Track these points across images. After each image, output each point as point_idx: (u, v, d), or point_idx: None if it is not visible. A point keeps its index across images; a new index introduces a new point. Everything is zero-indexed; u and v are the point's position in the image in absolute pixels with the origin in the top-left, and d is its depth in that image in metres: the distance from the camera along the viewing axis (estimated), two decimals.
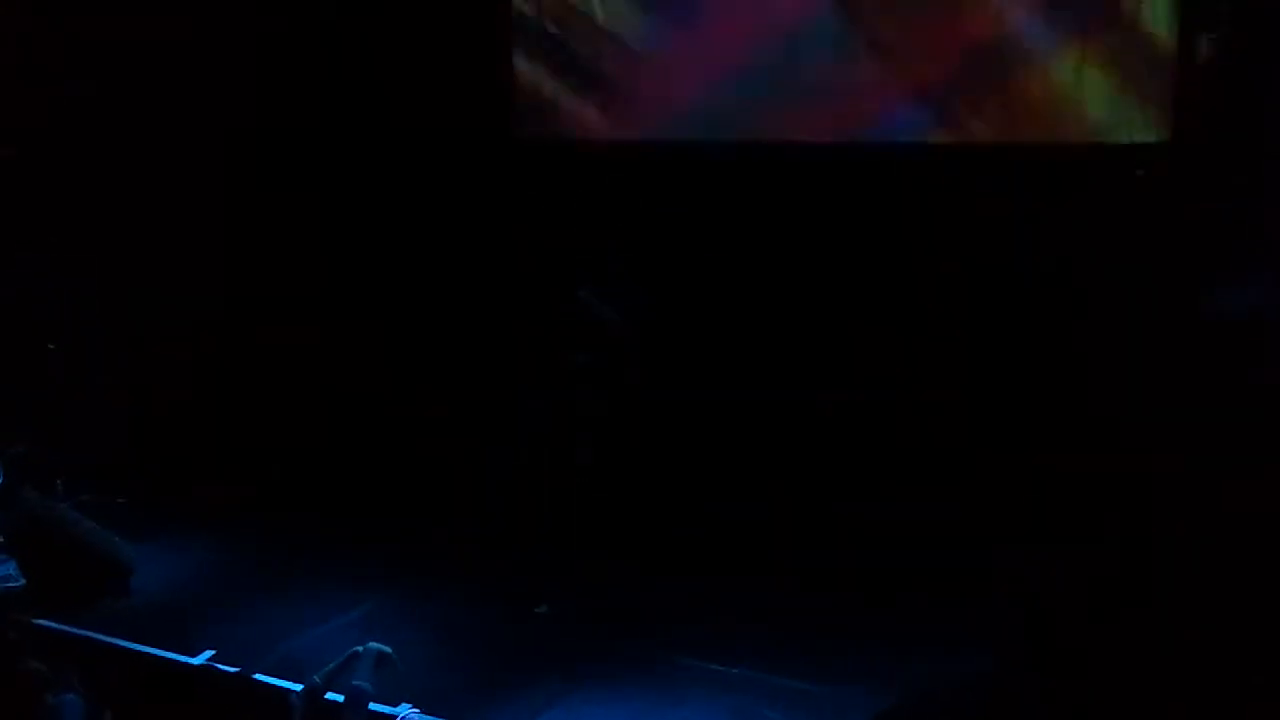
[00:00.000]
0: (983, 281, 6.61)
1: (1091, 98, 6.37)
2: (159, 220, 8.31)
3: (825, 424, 6.97)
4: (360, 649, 5.14)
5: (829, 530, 6.70)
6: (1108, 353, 6.15)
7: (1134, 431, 5.92)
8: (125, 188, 8.28)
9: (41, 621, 6.58)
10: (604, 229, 7.37)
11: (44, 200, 8.27)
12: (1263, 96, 5.96)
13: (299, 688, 5.15)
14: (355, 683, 4.94)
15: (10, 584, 7.08)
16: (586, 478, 6.75)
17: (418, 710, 5.00)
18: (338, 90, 8.17)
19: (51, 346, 8.07)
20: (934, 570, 6.18)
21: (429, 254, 8.09)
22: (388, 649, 5.16)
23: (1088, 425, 6.17)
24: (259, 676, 5.89)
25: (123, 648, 6.36)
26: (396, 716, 4.95)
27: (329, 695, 5.05)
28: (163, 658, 6.22)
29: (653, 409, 7.07)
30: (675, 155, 7.33)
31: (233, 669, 5.97)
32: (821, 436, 7.00)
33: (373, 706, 5.11)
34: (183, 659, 6.20)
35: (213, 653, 6.21)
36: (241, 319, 8.45)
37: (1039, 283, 6.39)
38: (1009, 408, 6.47)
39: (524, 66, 7.76)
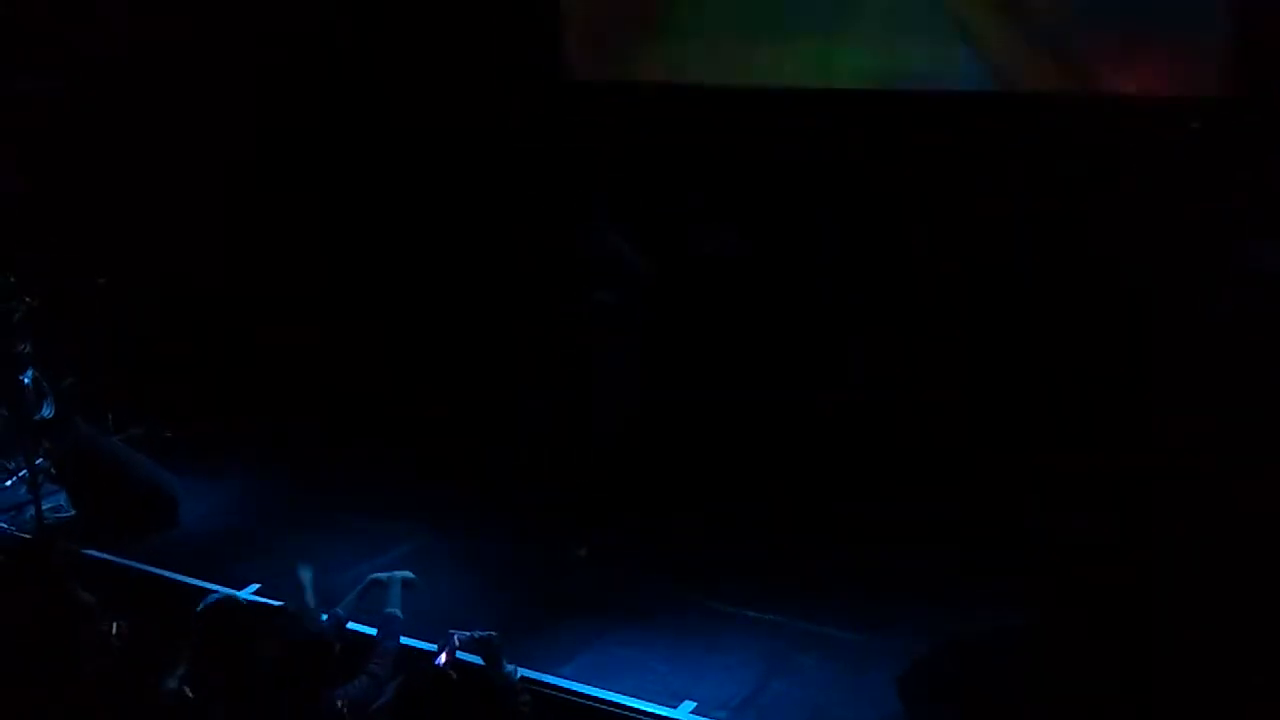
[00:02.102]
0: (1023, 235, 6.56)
1: (1144, 48, 6.25)
2: (202, 158, 8.39)
3: (854, 383, 6.98)
4: (382, 576, 5.16)
5: (864, 484, 6.73)
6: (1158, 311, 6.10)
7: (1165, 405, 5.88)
8: (159, 121, 8.37)
9: (90, 552, 6.72)
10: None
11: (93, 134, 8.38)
12: None
13: (324, 618, 5.18)
14: (387, 610, 4.99)
15: (60, 514, 7.23)
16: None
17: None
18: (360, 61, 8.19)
19: (101, 280, 8.15)
20: (968, 524, 6.19)
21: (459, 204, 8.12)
22: (411, 574, 5.19)
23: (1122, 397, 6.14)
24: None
25: (170, 579, 6.51)
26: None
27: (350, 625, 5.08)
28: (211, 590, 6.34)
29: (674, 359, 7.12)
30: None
31: (278, 603, 6.08)
32: (857, 390, 7.00)
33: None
34: (230, 592, 6.31)
35: (259, 586, 6.35)
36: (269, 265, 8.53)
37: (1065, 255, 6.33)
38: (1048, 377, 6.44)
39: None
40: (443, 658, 4.56)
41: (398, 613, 4.96)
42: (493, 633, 4.70)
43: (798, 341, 7.15)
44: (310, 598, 5.11)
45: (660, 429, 6.86)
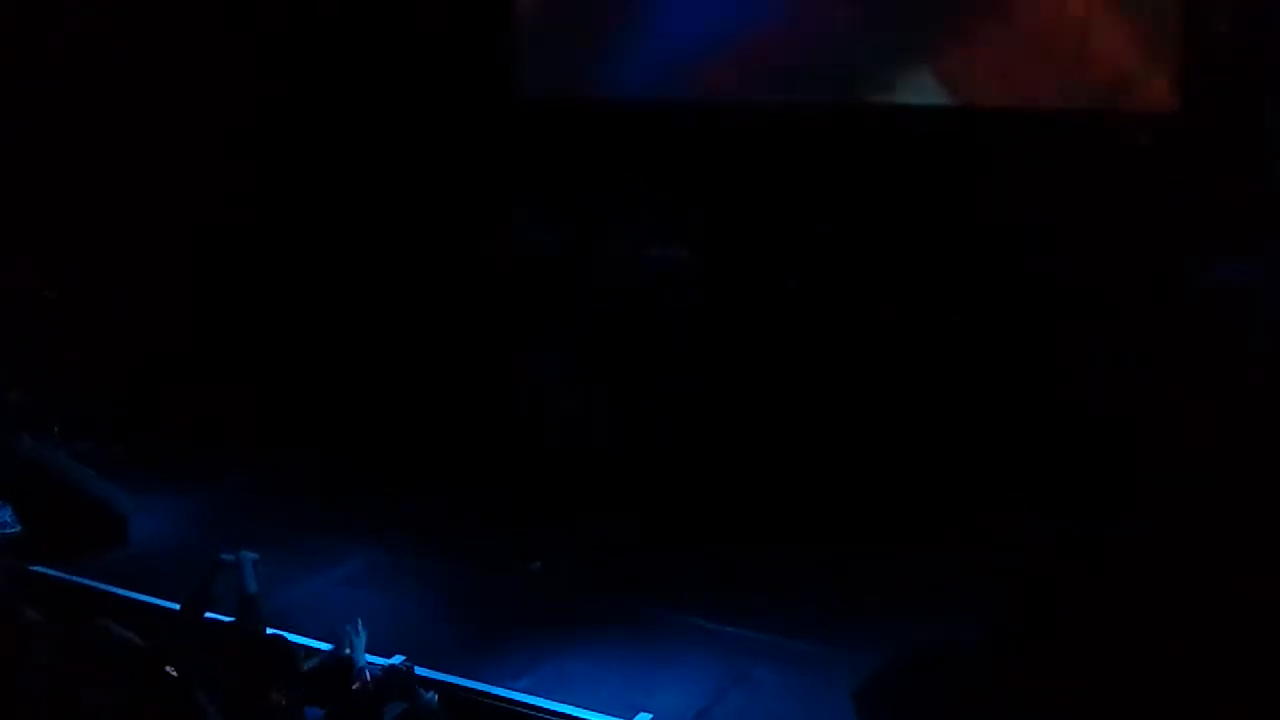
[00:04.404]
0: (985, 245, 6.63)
1: (1098, 64, 6.33)
2: (156, 170, 8.32)
3: (818, 389, 7.01)
4: (229, 556, 5.11)
5: (824, 493, 6.75)
6: (1109, 326, 6.18)
7: (1127, 410, 5.96)
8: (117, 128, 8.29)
9: (37, 568, 6.61)
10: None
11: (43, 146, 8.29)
12: (1273, 67, 5.93)
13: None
14: (248, 592, 4.94)
15: (5, 530, 7.12)
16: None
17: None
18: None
19: (49, 294, 8.06)
20: (925, 535, 6.22)
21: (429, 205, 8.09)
22: (256, 555, 5.15)
23: (1083, 405, 6.21)
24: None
25: (119, 595, 6.40)
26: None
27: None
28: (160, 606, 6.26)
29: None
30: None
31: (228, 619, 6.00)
32: (813, 399, 7.04)
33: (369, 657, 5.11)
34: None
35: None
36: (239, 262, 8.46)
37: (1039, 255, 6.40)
38: (1009, 386, 6.51)
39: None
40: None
41: (252, 587, 4.91)
42: (405, 663, 4.63)
43: (757, 348, 7.18)
44: (251, 582, 5.06)
45: (618, 437, 6.87)
